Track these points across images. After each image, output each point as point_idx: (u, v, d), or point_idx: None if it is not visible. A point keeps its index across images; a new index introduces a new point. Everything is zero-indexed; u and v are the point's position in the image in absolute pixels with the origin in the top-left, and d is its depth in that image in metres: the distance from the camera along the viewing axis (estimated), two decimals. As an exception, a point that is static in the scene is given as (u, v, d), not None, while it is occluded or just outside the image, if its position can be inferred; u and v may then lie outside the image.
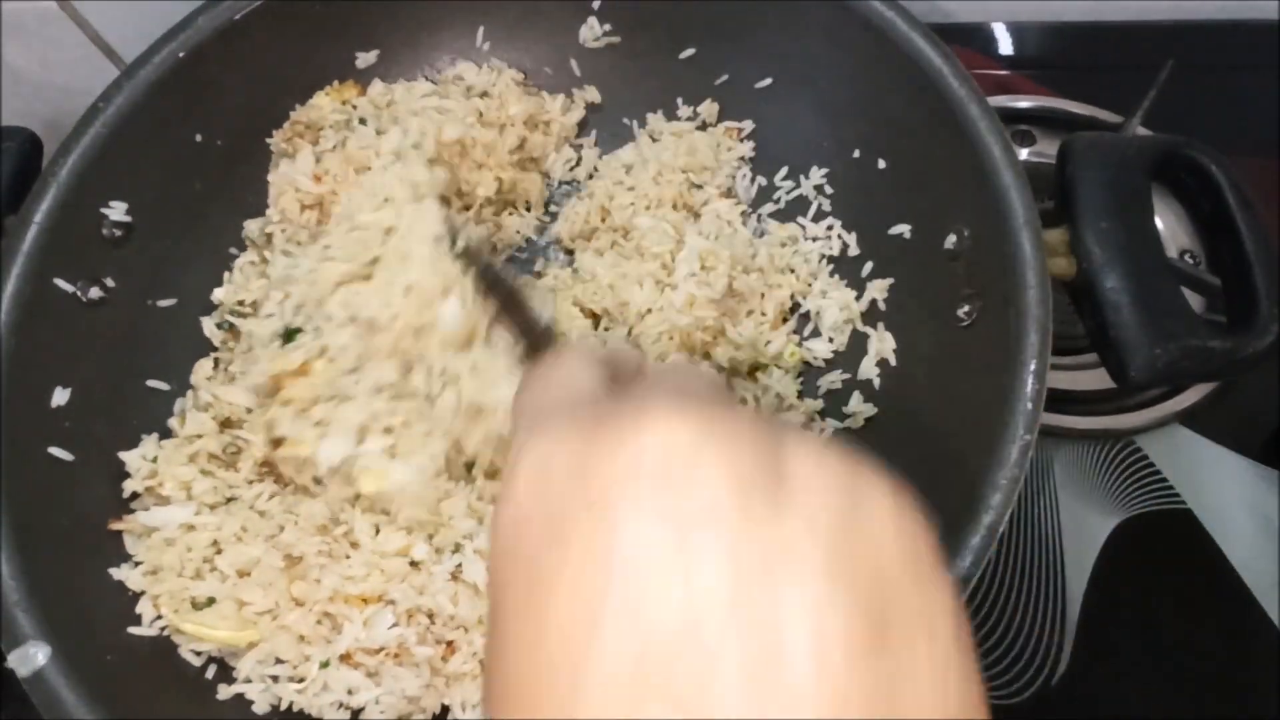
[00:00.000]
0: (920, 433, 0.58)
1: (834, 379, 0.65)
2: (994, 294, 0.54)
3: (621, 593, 0.21)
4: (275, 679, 0.56)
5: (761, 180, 0.72)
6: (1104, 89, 0.84)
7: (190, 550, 0.57)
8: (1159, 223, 0.78)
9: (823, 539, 0.22)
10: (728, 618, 0.21)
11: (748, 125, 0.73)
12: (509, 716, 0.23)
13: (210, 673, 0.56)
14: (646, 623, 0.21)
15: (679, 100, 0.75)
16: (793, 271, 0.68)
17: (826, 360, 0.66)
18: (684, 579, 0.21)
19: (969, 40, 0.88)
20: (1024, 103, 0.84)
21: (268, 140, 0.71)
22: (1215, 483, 0.69)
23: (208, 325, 0.66)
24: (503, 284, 0.57)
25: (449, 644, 0.56)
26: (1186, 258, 0.76)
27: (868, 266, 0.66)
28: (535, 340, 0.53)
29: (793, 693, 0.20)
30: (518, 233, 0.73)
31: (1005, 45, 0.89)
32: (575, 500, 0.23)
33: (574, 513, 0.23)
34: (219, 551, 0.58)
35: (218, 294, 0.68)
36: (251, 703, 0.55)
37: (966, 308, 0.57)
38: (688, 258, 0.64)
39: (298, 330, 0.63)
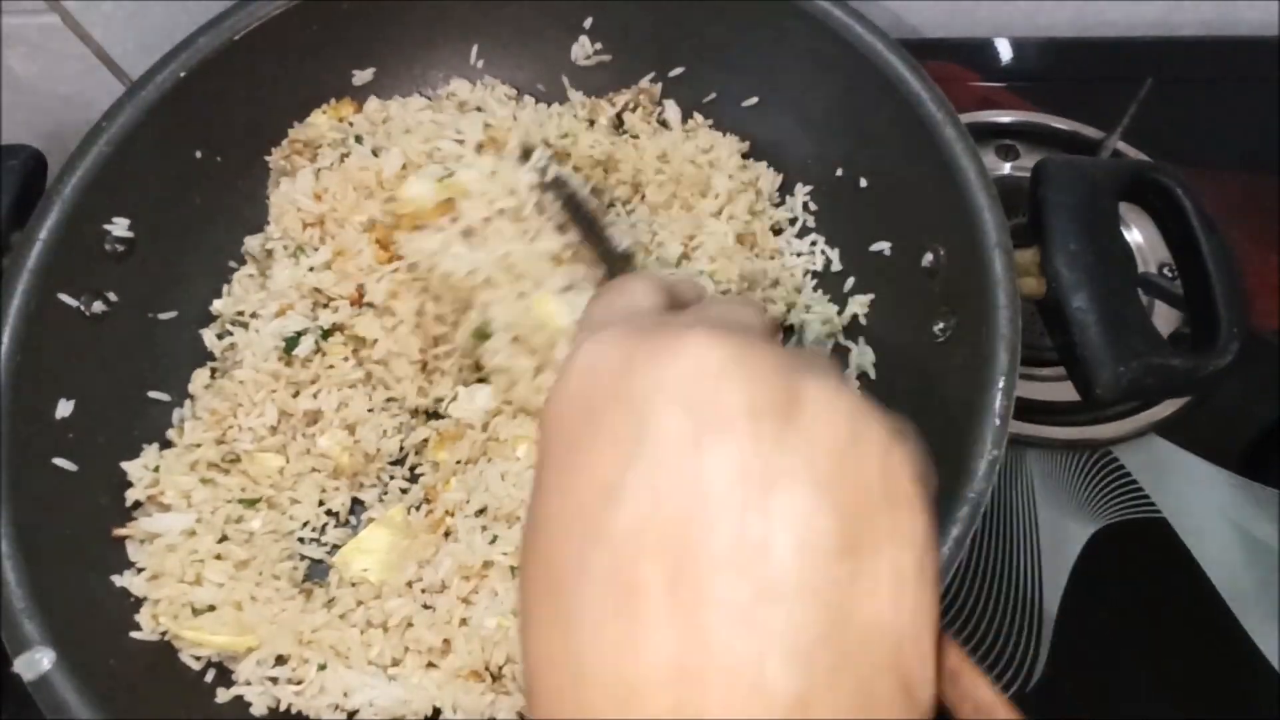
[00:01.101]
0: (896, 446, 0.59)
1: (816, 392, 0.66)
2: (967, 312, 0.56)
3: (642, 467, 0.25)
4: (274, 681, 0.57)
5: (748, 196, 0.74)
6: (1088, 104, 0.85)
7: (191, 555, 0.59)
8: (1140, 237, 0.80)
9: (819, 461, 0.25)
10: (728, 507, 0.24)
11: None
12: (538, 553, 0.27)
13: (210, 676, 0.58)
14: (658, 493, 0.25)
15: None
16: (777, 285, 0.70)
17: (809, 373, 0.67)
18: (696, 468, 0.25)
19: (955, 55, 0.90)
20: (1007, 117, 0.86)
21: (266, 158, 0.72)
22: (1191, 492, 0.70)
23: (208, 336, 0.68)
24: (585, 212, 0.61)
25: (445, 641, 0.58)
26: (1165, 271, 0.77)
27: (849, 282, 0.68)
28: (615, 264, 0.59)
29: (768, 577, 0.24)
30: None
31: (990, 60, 0.91)
32: (616, 393, 0.27)
33: (613, 403, 0.26)
34: (219, 557, 0.60)
35: (217, 305, 0.69)
36: (250, 705, 0.57)
37: (942, 324, 0.58)
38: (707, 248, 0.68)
39: (301, 333, 0.64)
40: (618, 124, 0.75)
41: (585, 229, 0.61)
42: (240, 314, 0.68)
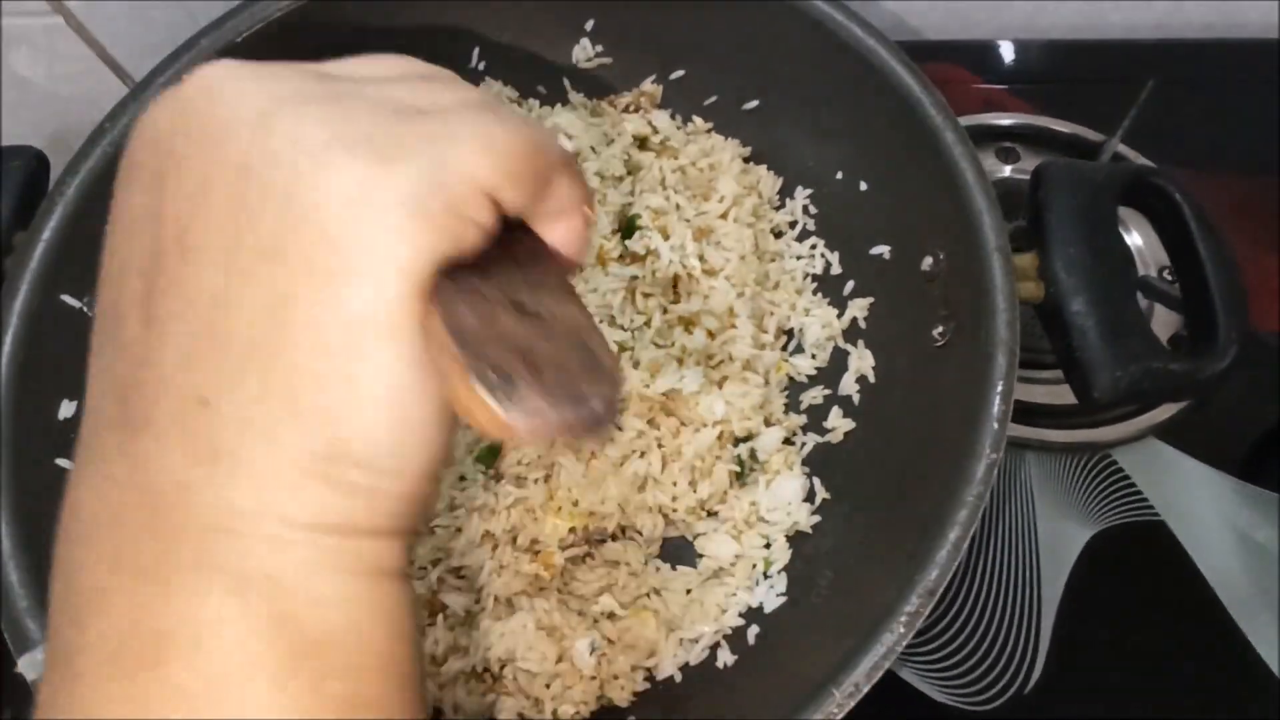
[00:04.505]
0: (895, 448, 0.59)
1: (815, 394, 0.66)
2: (966, 316, 0.56)
3: None
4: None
5: (748, 199, 0.74)
6: (1089, 106, 0.85)
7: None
8: (1141, 241, 0.80)
9: None
10: None
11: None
12: None
13: (210, 676, 0.58)
14: None
15: (669, 120, 0.76)
16: (777, 288, 0.70)
17: (809, 376, 0.68)
18: None
19: (955, 58, 0.90)
20: (1008, 120, 0.86)
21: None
22: (1190, 496, 0.70)
23: None
24: None
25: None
26: (1165, 274, 0.77)
27: (849, 285, 0.68)
28: None
29: None
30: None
31: (991, 62, 0.91)
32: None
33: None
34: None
35: None
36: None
37: (941, 328, 0.58)
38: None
39: None
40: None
41: None
42: None
